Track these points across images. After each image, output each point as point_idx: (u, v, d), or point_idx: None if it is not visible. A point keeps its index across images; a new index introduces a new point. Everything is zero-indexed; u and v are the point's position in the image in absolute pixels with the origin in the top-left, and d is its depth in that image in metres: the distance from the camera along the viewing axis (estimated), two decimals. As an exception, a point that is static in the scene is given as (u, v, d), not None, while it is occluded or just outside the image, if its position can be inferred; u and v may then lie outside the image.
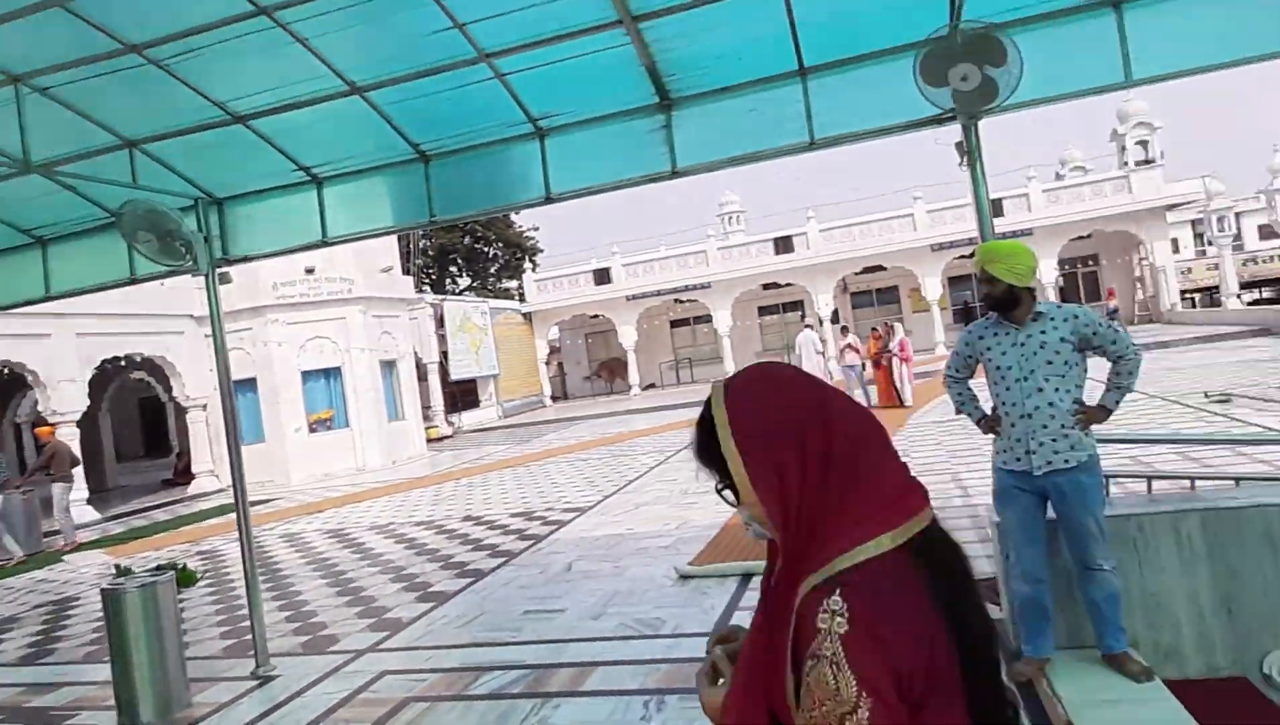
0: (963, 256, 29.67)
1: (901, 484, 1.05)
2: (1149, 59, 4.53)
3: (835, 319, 29.26)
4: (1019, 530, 3.51)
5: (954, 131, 4.62)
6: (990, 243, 3.83)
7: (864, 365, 17.17)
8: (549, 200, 5.42)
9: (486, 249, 44.03)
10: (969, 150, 4.48)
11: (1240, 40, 4.52)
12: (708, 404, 1.13)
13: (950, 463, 9.55)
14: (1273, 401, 10.73)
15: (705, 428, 1.13)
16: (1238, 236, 34.89)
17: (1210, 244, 32.91)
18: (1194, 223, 40.24)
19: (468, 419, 27.96)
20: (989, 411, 3.74)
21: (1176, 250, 37.49)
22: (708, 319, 33.86)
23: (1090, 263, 33.69)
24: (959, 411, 3.99)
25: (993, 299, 3.63)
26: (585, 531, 8.67)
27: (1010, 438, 3.53)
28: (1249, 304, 29.05)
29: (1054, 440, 3.39)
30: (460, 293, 40.81)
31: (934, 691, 0.95)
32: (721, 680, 1.21)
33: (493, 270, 44.82)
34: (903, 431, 12.77)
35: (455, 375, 27.14)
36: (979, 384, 3.78)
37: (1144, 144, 31.31)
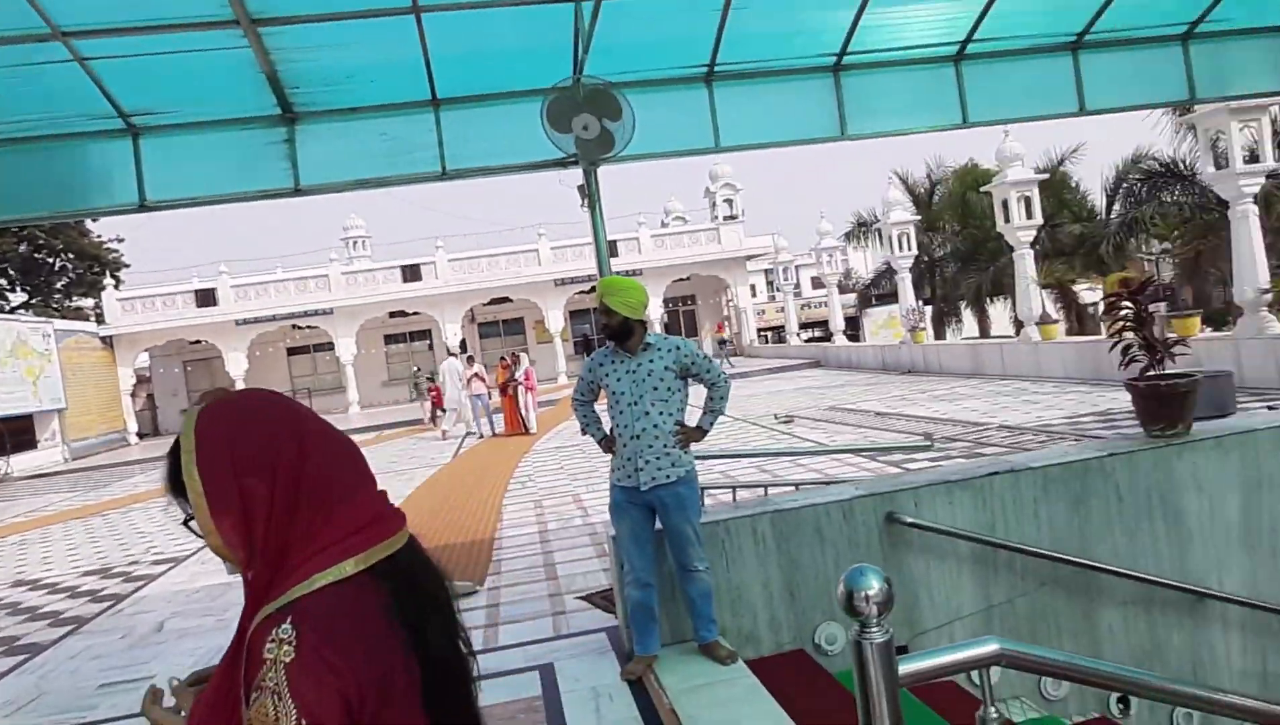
0: (583, 292, 31.83)
1: (375, 511, 1.07)
2: (734, 130, 5.37)
3: (463, 348, 29.49)
4: (630, 540, 3.86)
5: (577, 174, 5.00)
6: (609, 278, 4.20)
7: (490, 394, 17.55)
8: (144, 208, 4.78)
9: (51, 260, 36.74)
10: (589, 194, 4.88)
11: (800, 125, 5.56)
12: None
13: (572, 485, 10.13)
14: (821, 421, 13.11)
15: (174, 455, 1.07)
16: (797, 285, 42.08)
17: (778, 290, 39.27)
18: (767, 272, 47.73)
19: (20, 463, 23.06)
20: (609, 432, 4.08)
21: (754, 294, 44.05)
22: (330, 347, 32.04)
23: (689, 302, 38.21)
24: (584, 432, 4.29)
25: (610, 329, 3.98)
26: (181, 584, 7.64)
27: (622, 457, 3.89)
28: (806, 341, 35.13)
29: (658, 458, 3.80)
30: (12, 311, 33.62)
31: (391, 710, 0.97)
32: (183, 713, 1.18)
33: (60, 285, 37.60)
34: (528, 457, 13.26)
35: (2, 411, 22.25)
36: (603, 408, 4.11)
37: (730, 202, 36.56)
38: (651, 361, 3.90)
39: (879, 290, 35.05)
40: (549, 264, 32.22)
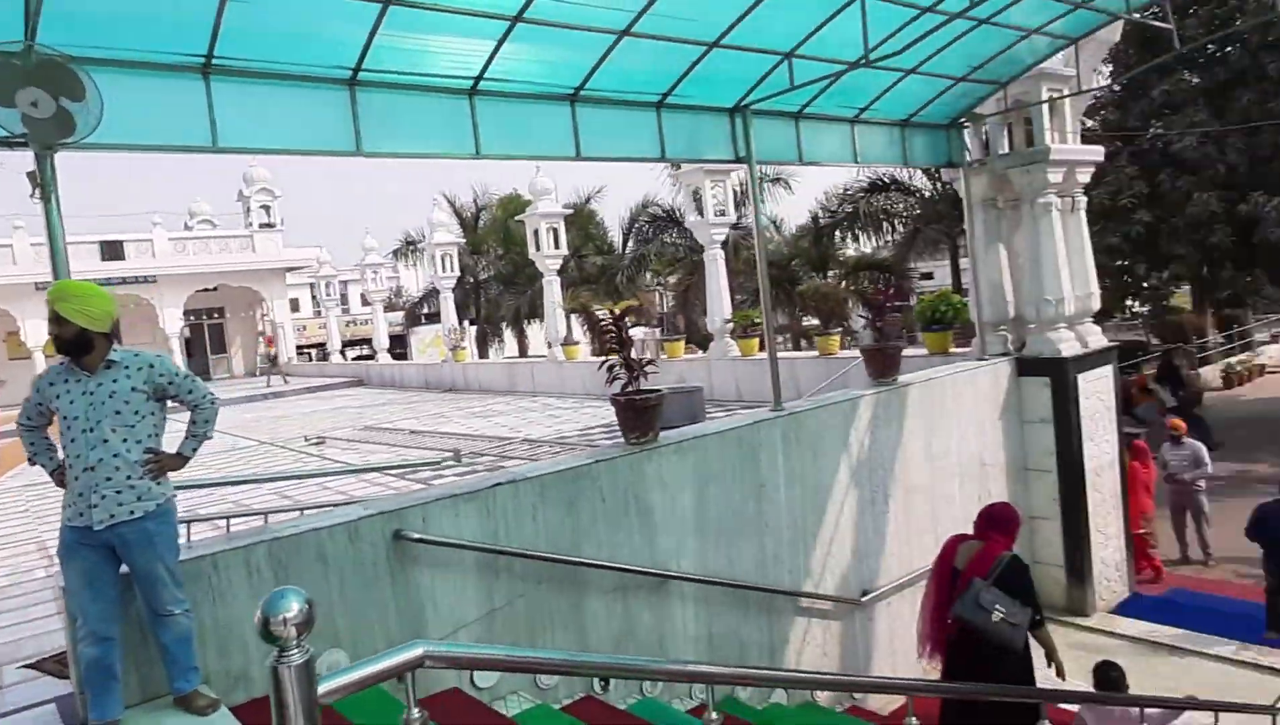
0: (76, 298, 26.71)
1: None
2: (237, 131, 4.94)
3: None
4: (84, 589, 3.31)
5: (28, 159, 4.18)
6: (62, 282, 3.60)
7: (-70, 422, 13.82)
8: None
9: None
10: (42, 183, 4.09)
11: (313, 134, 5.37)
12: None
13: (37, 529, 8.41)
14: (356, 441, 12.75)
15: None
16: (345, 300, 40.56)
17: (322, 306, 37.41)
18: (311, 286, 45.15)
19: None
20: (63, 462, 3.47)
21: (296, 309, 41.38)
22: None
23: (217, 315, 34.43)
24: (32, 462, 3.65)
25: (63, 342, 3.42)
26: None
27: (74, 492, 3.33)
28: (353, 359, 33.90)
29: (118, 492, 3.32)
30: None
31: None
32: None
33: None
34: (-18, 500, 10.71)
35: None
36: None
37: (267, 208, 33.85)
38: (115, 381, 3.41)
39: (427, 309, 35.44)
40: (30, 264, 26.37)
